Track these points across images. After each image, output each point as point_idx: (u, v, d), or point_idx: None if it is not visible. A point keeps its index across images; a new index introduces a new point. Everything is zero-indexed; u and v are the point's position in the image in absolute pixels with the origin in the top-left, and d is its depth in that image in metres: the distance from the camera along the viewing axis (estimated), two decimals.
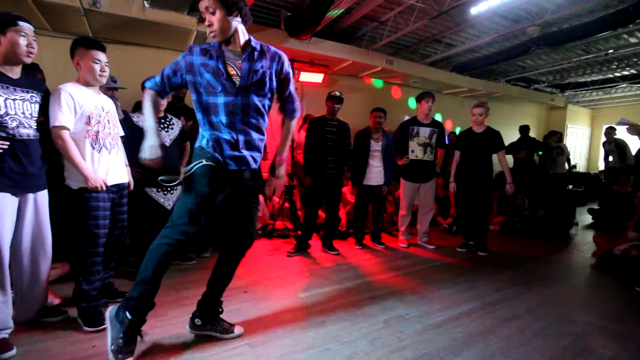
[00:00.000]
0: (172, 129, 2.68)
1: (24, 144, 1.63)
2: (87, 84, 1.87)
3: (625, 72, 6.95)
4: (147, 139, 1.58)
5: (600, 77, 7.26)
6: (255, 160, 1.65)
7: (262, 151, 1.70)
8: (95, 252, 1.87)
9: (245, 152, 1.60)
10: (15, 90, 1.62)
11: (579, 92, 8.61)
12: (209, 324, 1.77)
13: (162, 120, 2.64)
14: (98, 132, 1.86)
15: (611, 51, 5.66)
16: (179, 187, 2.72)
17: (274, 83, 1.64)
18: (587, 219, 5.37)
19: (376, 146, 3.51)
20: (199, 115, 1.60)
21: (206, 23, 1.49)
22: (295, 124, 1.83)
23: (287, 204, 3.95)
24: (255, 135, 1.62)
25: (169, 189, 2.64)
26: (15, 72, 1.63)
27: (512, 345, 1.77)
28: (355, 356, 1.63)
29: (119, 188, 2.00)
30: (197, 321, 1.77)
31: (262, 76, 1.57)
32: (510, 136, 6.24)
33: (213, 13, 1.47)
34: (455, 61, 6.47)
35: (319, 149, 3.22)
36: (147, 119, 1.62)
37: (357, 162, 3.52)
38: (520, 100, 8.27)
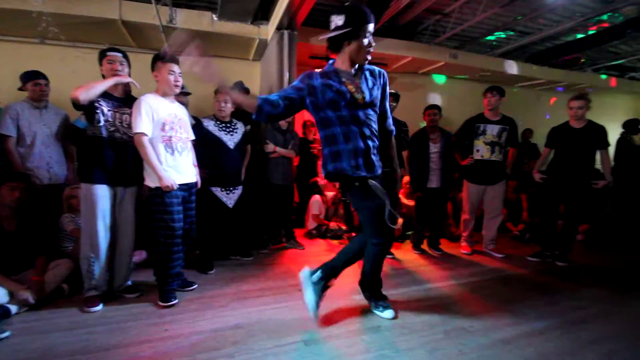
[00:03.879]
0: (236, 132, 2.86)
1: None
2: (164, 94, 2.10)
3: None
4: None
5: None
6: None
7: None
8: (173, 242, 2.10)
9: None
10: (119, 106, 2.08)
11: None
12: (371, 301, 2.10)
13: (228, 125, 2.83)
14: (171, 137, 2.07)
15: None
16: (240, 188, 2.89)
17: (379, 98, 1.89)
18: None
19: (434, 148, 3.32)
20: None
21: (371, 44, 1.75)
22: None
23: (341, 205, 3.95)
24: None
25: (231, 189, 2.82)
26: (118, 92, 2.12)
27: None
28: None
29: (188, 187, 2.20)
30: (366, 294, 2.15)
31: (376, 93, 1.84)
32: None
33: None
34: (530, 51, 5.85)
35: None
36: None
37: (416, 165, 3.37)
38: (611, 91, 7.18)
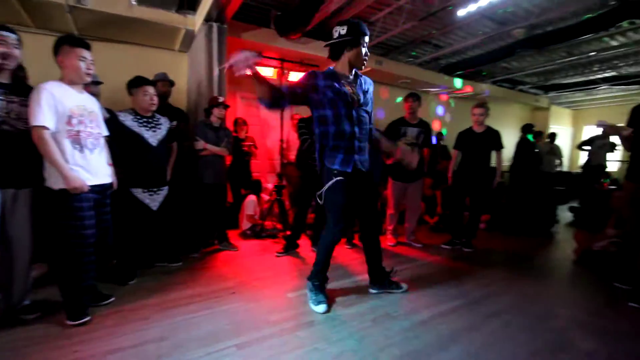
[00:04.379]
0: (159, 128, 2.65)
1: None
2: (70, 83, 1.84)
3: (607, 74, 7.13)
4: None
5: (583, 78, 7.44)
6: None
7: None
8: (84, 252, 1.86)
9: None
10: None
11: (561, 94, 8.83)
12: (384, 287, 2.36)
13: (149, 120, 2.60)
14: (79, 131, 1.83)
15: (593, 53, 5.82)
16: (165, 188, 2.69)
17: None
18: (569, 216, 5.51)
19: None
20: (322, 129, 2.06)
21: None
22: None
23: (276, 204, 3.94)
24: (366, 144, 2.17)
25: (154, 190, 2.60)
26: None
27: (496, 340, 1.81)
28: (343, 355, 1.64)
29: (102, 188, 1.97)
30: (374, 288, 2.38)
31: (368, 97, 2.14)
32: None
33: None
34: (443, 62, 6.55)
35: (308, 148, 3.22)
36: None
37: None
38: (505, 101, 8.44)
